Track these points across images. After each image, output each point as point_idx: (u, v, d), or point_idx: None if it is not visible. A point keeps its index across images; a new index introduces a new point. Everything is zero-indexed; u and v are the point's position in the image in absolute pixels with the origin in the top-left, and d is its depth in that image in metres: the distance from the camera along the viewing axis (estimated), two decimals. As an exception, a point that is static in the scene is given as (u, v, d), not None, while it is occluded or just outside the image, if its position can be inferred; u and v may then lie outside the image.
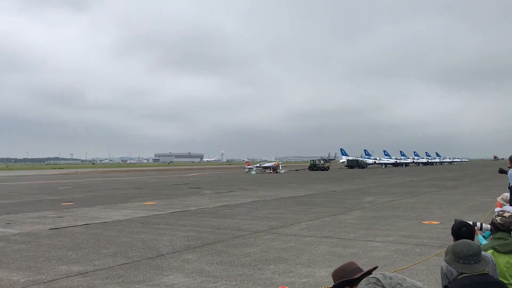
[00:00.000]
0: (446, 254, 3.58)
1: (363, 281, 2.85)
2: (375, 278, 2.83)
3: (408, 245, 10.17)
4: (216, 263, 8.61)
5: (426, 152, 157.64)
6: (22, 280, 7.60)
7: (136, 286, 7.12)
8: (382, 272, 2.90)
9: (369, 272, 3.01)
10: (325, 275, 7.57)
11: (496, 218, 4.59)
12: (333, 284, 3.10)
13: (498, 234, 4.50)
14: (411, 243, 10.41)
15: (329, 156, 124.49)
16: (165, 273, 7.89)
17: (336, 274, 3.08)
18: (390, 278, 2.83)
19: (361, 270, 3.05)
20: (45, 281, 7.52)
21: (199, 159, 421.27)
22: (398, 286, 2.81)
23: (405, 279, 2.87)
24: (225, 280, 7.38)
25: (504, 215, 4.60)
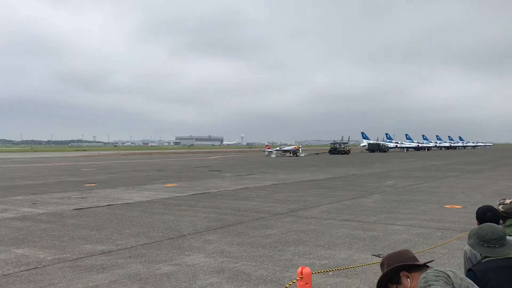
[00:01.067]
0: (470, 237, 3.53)
1: (431, 272, 2.61)
2: (446, 273, 2.60)
3: (429, 228, 10.10)
4: (236, 244, 8.70)
5: (449, 136, 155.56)
6: (48, 258, 7.81)
7: (158, 265, 7.24)
8: (453, 270, 2.66)
9: (425, 264, 2.84)
10: (345, 257, 7.59)
11: (499, 207, 4.52)
12: (385, 269, 2.89)
13: (508, 221, 4.43)
14: (432, 226, 10.33)
15: (342, 139, 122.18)
16: (187, 253, 8.01)
17: (391, 258, 2.88)
18: (461, 279, 2.61)
19: (418, 260, 2.87)
20: (70, 259, 7.71)
21: (219, 143, 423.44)
22: None
23: (474, 285, 2.65)
24: (246, 261, 7.45)
25: (505, 202, 4.52)
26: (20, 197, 16.92)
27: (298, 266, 7.05)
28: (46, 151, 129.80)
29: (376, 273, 6.63)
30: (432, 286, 2.48)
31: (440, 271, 2.60)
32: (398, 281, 2.79)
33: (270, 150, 74.84)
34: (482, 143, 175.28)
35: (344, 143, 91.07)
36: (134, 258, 7.74)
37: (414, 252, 7.71)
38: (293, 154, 71.56)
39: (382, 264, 2.94)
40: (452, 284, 2.53)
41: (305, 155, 72.28)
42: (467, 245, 3.79)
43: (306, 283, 3.42)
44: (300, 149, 75.42)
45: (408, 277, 2.75)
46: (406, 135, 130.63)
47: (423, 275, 2.63)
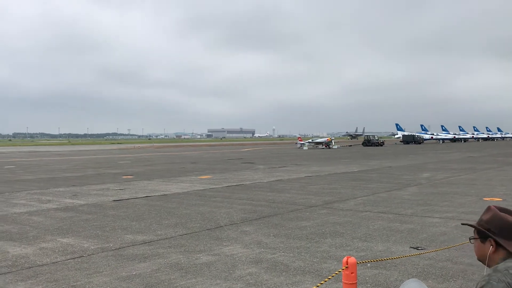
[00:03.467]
0: None
1: (496, 275, 2.44)
2: (507, 282, 2.40)
3: (468, 221, 9.92)
4: (273, 235, 8.79)
5: (486, 127, 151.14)
6: (92, 247, 8.11)
7: (198, 255, 7.42)
8: None
9: None
10: (382, 249, 7.58)
11: None
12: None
13: None
14: (471, 219, 10.15)
15: (356, 131, 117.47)
16: (224, 244, 8.16)
17: (506, 224, 2.60)
18: None
19: None
20: (113, 248, 7.98)
21: (250, 135, 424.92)
22: None
23: None
24: (283, 252, 7.54)
25: None
26: (61, 189, 17.51)
27: (336, 258, 7.11)
28: (83, 144, 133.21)
29: (415, 266, 6.61)
30: (488, 285, 2.38)
31: (502, 280, 2.42)
32: (483, 239, 2.65)
33: (302, 142, 74.60)
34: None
35: (358, 135, 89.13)
36: (174, 248, 7.94)
37: (453, 245, 7.58)
38: (325, 146, 71.18)
39: (506, 210, 2.68)
40: None
41: (338, 147, 71.75)
42: None
43: (352, 273, 3.47)
44: (332, 141, 74.91)
45: (492, 246, 2.61)
46: (442, 126, 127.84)
47: (490, 271, 2.49)
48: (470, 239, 2.78)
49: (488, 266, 2.65)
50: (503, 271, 2.47)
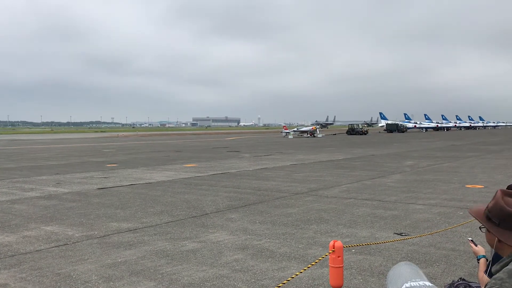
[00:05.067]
0: None
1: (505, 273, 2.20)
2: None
3: (451, 208, 10.08)
4: (259, 222, 8.82)
5: (468, 116, 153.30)
6: (76, 235, 8.04)
7: (184, 242, 7.41)
8: None
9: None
10: (367, 236, 7.66)
11: None
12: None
13: None
14: (454, 206, 10.31)
15: (327, 120, 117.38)
16: (210, 231, 8.16)
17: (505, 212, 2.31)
18: None
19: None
20: (97, 236, 7.93)
21: (236, 124, 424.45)
22: None
23: None
24: (269, 238, 7.57)
25: None
26: (44, 177, 17.30)
27: (321, 244, 7.16)
28: (66, 132, 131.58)
29: (398, 251, 6.70)
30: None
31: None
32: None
33: (288, 131, 74.73)
34: (503, 123, 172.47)
35: (328, 124, 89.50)
36: (159, 235, 7.92)
37: (436, 231, 7.69)
38: (310, 135, 71.40)
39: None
40: None
41: (322, 136, 72.07)
42: None
43: (338, 256, 3.50)
44: (317, 129, 75.20)
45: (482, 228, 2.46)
46: (425, 115, 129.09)
47: (503, 275, 2.21)
48: (480, 228, 2.55)
49: (501, 255, 2.43)
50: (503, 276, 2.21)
